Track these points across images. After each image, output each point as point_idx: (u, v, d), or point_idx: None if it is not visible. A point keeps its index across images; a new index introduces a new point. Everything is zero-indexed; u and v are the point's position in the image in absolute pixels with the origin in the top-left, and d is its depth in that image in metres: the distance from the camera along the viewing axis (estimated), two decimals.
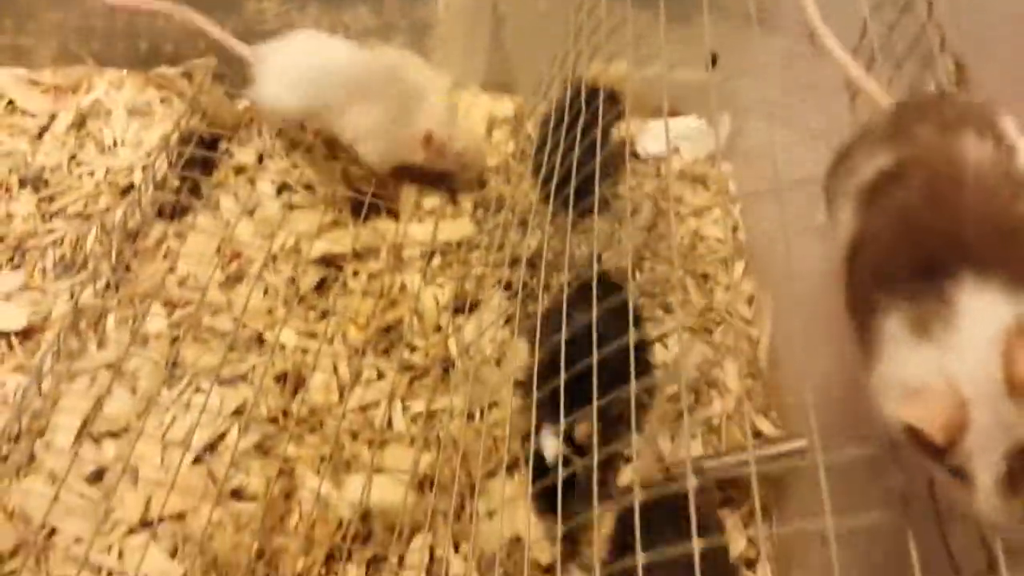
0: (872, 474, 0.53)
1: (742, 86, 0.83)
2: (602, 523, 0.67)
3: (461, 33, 1.16)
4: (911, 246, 0.41)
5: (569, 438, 0.65)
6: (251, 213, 0.91)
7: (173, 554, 0.71)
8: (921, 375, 0.38)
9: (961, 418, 0.36)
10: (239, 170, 0.95)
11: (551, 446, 0.66)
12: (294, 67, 0.84)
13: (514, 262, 0.85)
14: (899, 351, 0.39)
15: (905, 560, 0.46)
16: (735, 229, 0.90)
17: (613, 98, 0.81)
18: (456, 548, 0.72)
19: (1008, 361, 0.35)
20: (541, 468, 0.65)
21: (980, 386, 0.36)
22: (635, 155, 0.96)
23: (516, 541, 0.71)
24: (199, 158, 0.94)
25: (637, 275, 0.87)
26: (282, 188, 0.93)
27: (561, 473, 0.59)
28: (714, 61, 0.66)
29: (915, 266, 0.40)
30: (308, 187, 0.93)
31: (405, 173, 0.92)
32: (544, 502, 0.68)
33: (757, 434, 0.77)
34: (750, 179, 0.90)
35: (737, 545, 0.74)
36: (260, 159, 0.96)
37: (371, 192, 0.90)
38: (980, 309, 0.37)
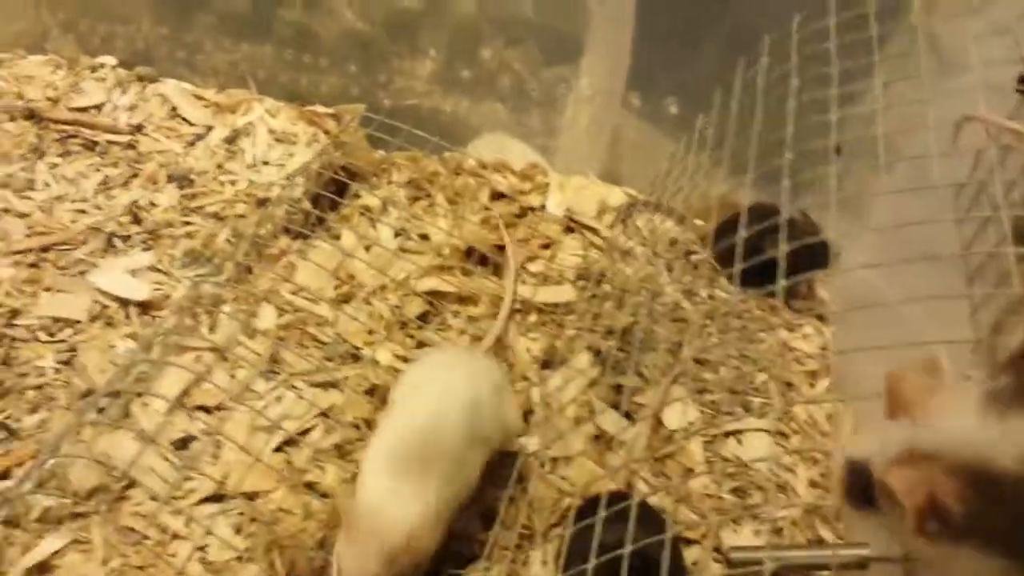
0: None
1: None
2: None
3: (584, 135, 1.25)
4: None
5: None
6: (367, 248, 0.97)
7: (238, 530, 0.73)
8: None
9: None
10: (364, 210, 1.01)
11: None
12: None
13: (608, 333, 0.88)
14: None
15: None
16: (824, 348, 0.93)
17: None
18: None
19: None
20: None
21: None
22: None
23: None
24: (331, 192, 1.00)
25: (721, 370, 0.89)
26: (400, 233, 0.99)
27: None
28: (838, 151, 0.70)
29: None
30: (424, 237, 0.99)
31: None
32: None
33: (820, 541, 0.77)
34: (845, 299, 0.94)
35: None
36: (384, 205, 1.02)
37: (484, 248, 0.96)
38: None
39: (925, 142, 0.72)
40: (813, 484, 0.82)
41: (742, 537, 0.78)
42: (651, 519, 0.70)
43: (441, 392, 0.71)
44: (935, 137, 0.73)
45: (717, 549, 0.76)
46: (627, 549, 0.62)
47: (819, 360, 0.92)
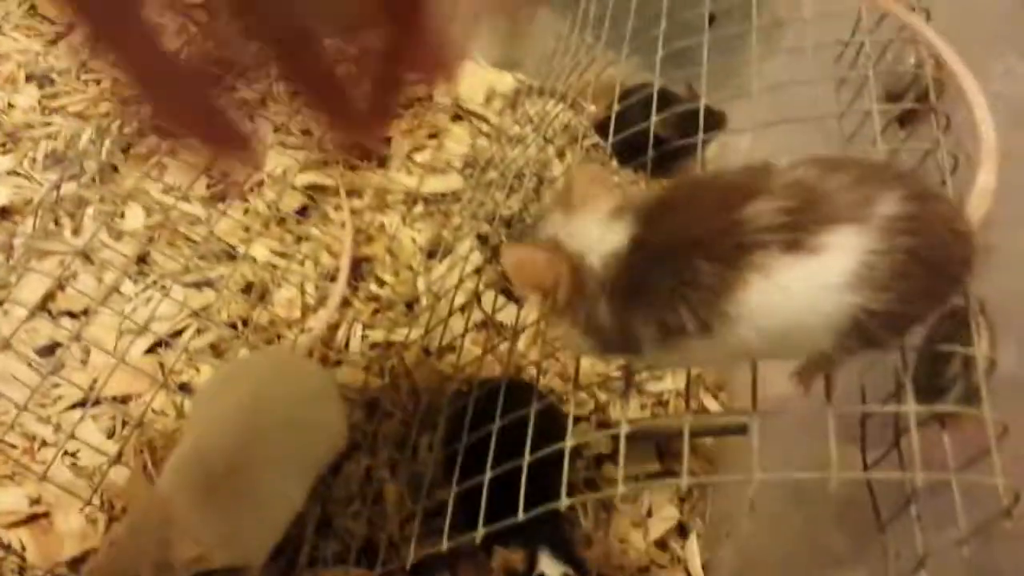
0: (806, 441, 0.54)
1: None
2: None
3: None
4: None
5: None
6: None
7: (111, 434, 0.71)
8: None
9: None
10: (241, 104, 0.97)
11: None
12: None
13: (494, 219, 0.86)
14: None
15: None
16: None
17: None
18: (393, 471, 0.72)
19: None
20: None
21: None
22: None
23: None
24: None
25: None
26: (279, 128, 0.95)
27: None
28: (712, 20, 0.67)
29: None
30: (306, 133, 0.95)
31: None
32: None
33: (703, 410, 0.78)
34: None
35: (668, 517, 0.74)
36: (263, 100, 0.98)
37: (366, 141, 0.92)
38: None
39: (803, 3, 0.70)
40: None
41: (628, 411, 0.78)
42: (529, 398, 0.69)
43: (249, 411, 0.59)
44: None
45: (603, 424, 0.76)
46: (496, 424, 0.61)
47: None
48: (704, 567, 0.72)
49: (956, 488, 0.42)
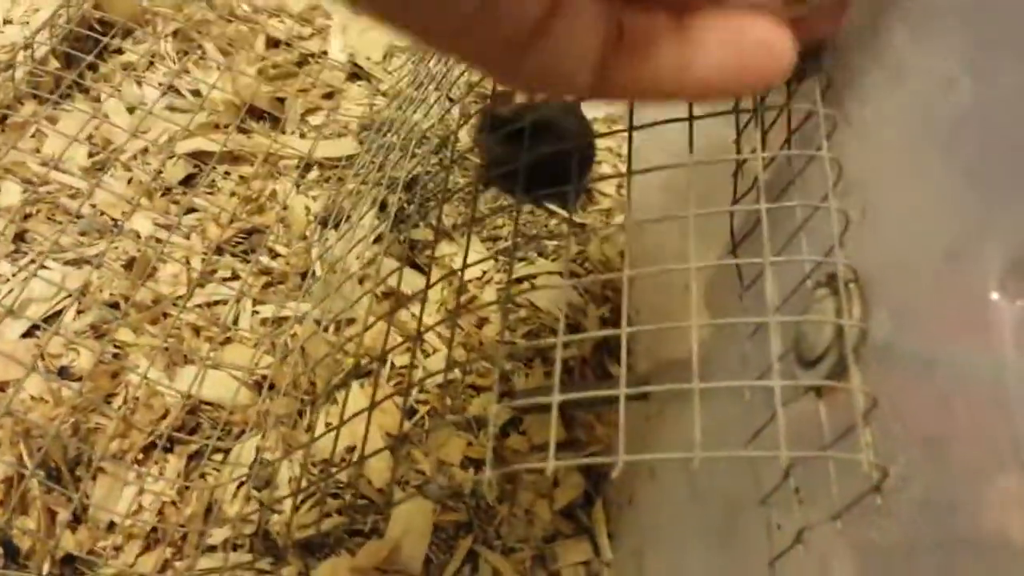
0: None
1: None
2: None
3: None
4: None
5: None
6: (131, 110, 0.88)
7: None
8: None
9: None
10: (126, 66, 0.92)
11: None
12: None
13: (394, 185, 0.83)
14: None
15: None
16: (620, 186, 0.90)
17: None
18: (285, 452, 0.69)
19: None
20: None
21: None
22: None
23: (350, 450, 0.69)
24: (87, 47, 0.90)
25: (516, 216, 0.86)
26: (168, 90, 0.90)
27: None
28: None
29: None
30: (195, 93, 0.91)
31: None
32: None
33: (607, 375, 0.77)
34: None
35: (575, 484, 0.73)
36: (151, 61, 0.93)
37: (261, 103, 0.88)
38: None
39: None
40: (604, 322, 0.80)
41: (534, 379, 0.77)
42: None
43: None
44: None
45: (507, 394, 0.75)
46: None
47: (614, 199, 0.89)
48: (610, 535, 0.71)
49: (831, 463, 0.41)
